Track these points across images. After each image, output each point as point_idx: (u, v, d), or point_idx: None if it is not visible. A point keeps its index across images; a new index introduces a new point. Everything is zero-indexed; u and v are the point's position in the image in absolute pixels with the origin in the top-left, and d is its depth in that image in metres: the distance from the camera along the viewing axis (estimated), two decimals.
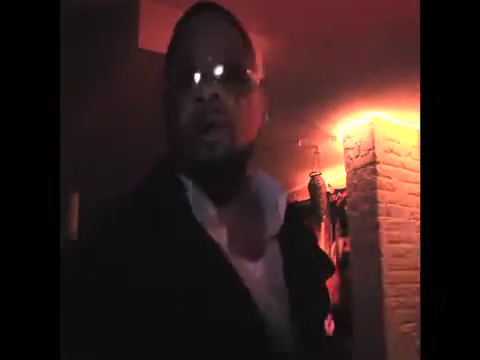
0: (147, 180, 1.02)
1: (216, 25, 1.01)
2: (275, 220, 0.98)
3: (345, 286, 5.01)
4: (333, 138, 4.53)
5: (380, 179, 3.97)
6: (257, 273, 0.92)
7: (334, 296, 5.30)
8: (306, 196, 5.13)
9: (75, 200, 5.56)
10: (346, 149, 4.32)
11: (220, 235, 0.90)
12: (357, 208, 4.11)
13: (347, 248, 4.95)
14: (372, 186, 3.97)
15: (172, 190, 0.95)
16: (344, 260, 5.15)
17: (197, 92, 0.91)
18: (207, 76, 0.92)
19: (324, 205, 4.75)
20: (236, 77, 0.96)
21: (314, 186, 4.65)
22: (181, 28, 1.03)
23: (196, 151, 0.91)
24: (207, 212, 0.92)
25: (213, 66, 0.93)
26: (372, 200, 3.96)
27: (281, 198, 1.01)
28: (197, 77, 0.93)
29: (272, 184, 1.06)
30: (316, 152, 4.71)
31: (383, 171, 4.02)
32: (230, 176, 0.97)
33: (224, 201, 0.97)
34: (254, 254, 0.94)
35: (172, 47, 1.04)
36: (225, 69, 0.94)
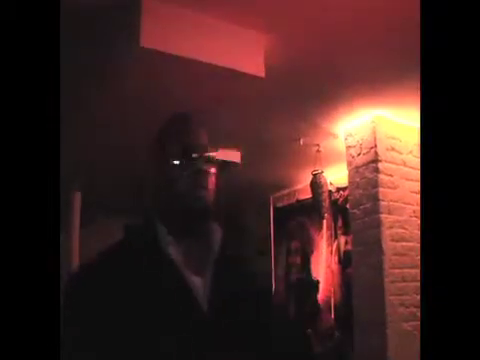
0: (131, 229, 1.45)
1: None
2: (214, 250, 1.40)
3: (346, 284, 5.02)
4: (335, 136, 4.53)
5: (382, 177, 3.97)
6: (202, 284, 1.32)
7: (336, 294, 5.31)
8: (308, 194, 5.13)
9: (77, 200, 5.56)
10: (348, 147, 4.32)
11: (179, 259, 1.31)
12: (359, 206, 4.11)
13: (349, 246, 4.95)
14: (374, 184, 3.97)
15: (151, 235, 1.35)
16: (346, 258, 5.15)
17: (195, 166, 1.36)
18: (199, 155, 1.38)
19: (326, 203, 4.75)
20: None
21: (316, 184, 4.65)
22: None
23: (189, 202, 1.36)
24: (172, 247, 1.32)
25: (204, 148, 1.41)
26: (374, 198, 3.96)
27: (217, 235, 1.45)
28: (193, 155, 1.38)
29: (215, 227, 1.48)
30: (318, 150, 4.71)
31: (385, 169, 4.01)
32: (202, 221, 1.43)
33: (186, 237, 1.38)
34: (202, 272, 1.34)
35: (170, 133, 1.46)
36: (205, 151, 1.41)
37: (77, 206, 5.53)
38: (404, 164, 4.13)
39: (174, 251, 1.32)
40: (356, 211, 4.14)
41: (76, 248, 5.42)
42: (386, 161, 4.03)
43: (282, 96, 3.69)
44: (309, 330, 4.61)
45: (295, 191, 6.10)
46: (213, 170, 1.42)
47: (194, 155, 1.37)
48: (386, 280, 3.79)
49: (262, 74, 3.04)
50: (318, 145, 4.68)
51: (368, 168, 4.05)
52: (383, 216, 3.91)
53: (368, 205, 4.01)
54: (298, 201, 6.02)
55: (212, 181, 1.41)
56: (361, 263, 4.04)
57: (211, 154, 1.42)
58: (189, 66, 2.90)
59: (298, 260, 5.99)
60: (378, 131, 4.04)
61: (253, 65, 3.02)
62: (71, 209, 5.49)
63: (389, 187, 4.00)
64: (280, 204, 6.41)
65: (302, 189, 5.85)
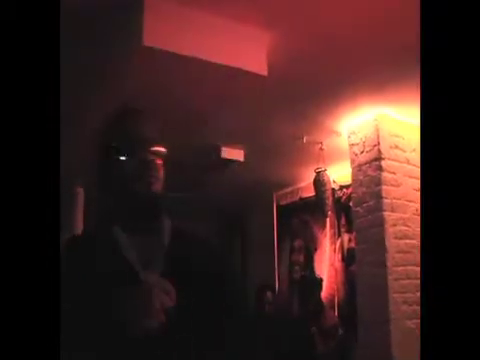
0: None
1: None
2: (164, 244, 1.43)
3: (350, 282, 5.01)
4: (338, 134, 4.52)
5: (385, 175, 3.96)
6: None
7: (339, 292, 5.31)
8: (311, 192, 5.13)
9: (80, 196, 5.57)
10: (351, 145, 4.31)
11: (133, 257, 1.36)
12: (362, 204, 4.10)
13: (352, 244, 4.94)
14: (377, 182, 3.97)
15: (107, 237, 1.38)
16: (349, 256, 5.15)
17: (140, 158, 1.38)
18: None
19: (329, 201, 4.75)
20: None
21: (319, 182, 4.65)
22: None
23: (141, 192, 1.37)
24: (127, 247, 1.37)
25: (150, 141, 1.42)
26: (377, 196, 3.95)
27: (167, 228, 1.46)
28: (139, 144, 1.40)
29: (165, 220, 1.49)
30: (321, 148, 4.70)
31: (388, 167, 4.01)
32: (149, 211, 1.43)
33: (139, 233, 1.40)
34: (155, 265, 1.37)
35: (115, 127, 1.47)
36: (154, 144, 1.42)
37: (80, 203, 5.53)
38: (407, 162, 4.12)
39: (129, 250, 1.36)
40: (359, 209, 4.14)
41: None
42: (389, 159, 4.03)
43: (285, 94, 3.68)
44: (313, 328, 4.61)
45: (298, 189, 6.09)
46: (160, 162, 1.42)
47: (138, 148, 1.38)
48: (389, 278, 3.79)
49: (265, 72, 3.04)
50: (321, 143, 4.67)
51: (371, 166, 4.05)
52: (386, 214, 3.90)
53: (371, 203, 4.01)
54: (301, 199, 6.01)
55: (160, 173, 1.42)
56: (364, 261, 4.03)
57: (157, 148, 1.42)
58: (191, 64, 2.90)
59: (301, 258, 5.99)
60: (381, 129, 4.03)
61: (255, 63, 3.02)
62: (74, 206, 5.50)
63: (392, 185, 3.99)
64: (283, 202, 6.41)
65: (305, 187, 5.84)
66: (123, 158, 1.38)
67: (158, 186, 1.40)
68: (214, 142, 4.58)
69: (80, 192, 5.58)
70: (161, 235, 1.43)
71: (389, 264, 3.81)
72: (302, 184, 5.97)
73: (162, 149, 1.44)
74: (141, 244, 1.38)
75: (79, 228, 5.45)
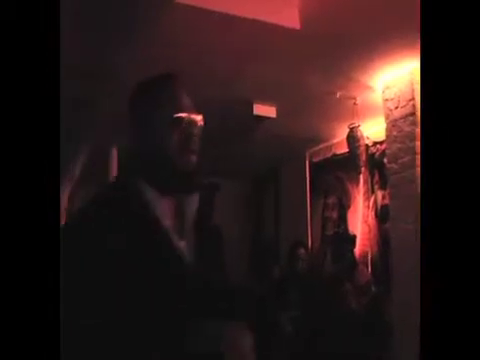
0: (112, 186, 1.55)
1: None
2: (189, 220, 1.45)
3: (384, 239, 4.99)
4: (372, 89, 4.43)
5: (420, 130, 3.89)
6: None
7: (373, 248, 5.29)
8: (344, 149, 5.08)
9: (114, 156, 5.60)
10: (385, 100, 4.23)
11: (166, 219, 1.38)
12: (396, 160, 4.05)
13: (386, 201, 4.90)
14: (412, 137, 3.90)
15: (129, 194, 1.39)
16: (383, 213, 5.11)
17: (185, 125, 1.41)
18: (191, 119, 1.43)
19: (363, 157, 4.70)
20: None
21: (353, 138, 4.59)
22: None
23: (177, 165, 1.41)
24: (160, 205, 1.39)
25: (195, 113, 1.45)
26: (412, 152, 3.89)
27: (194, 205, 1.46)
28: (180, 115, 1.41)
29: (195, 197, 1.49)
30: (354, 104, 4.62)
31: (411, 108, 3.92)
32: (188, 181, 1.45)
33: (176, 197, 1.42)
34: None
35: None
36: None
37: (114, 162, 5.57)
38: None
39: (157, 208, 1.38)
40: (394, 165, 4.08)
41: None
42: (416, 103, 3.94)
43: (318, 49, 3.61)
44: (347, 285, 4.62)
45: (331, 145, 6.03)
46: (198, 133, 1.45)
47: (178, 115, 1.41)
48: None
49: (297, 26, 2.98)
50: (355, 98, 4.60)
51: (406, 121, 3.97)
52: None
53: (406, 159, 3.95)
54: (334, 155, 5.95)
55: (198, 145, 1.45)
56: (398, 217, 4.00)
57: (196, 117, 1.45)
58: (222, 20, 2.85)
59: (335, 215, 5.97)
60: (417, 83, 3.94)
61: (288, 17, 2.96)
62: (108, 165, 5.55)
63: None
64: (316, 159, 6.36)
65: (338, 143, 5.78)
66: (162, 126, 1.41)
67: (195, 159, 1.44)
68: (246, 99, 4.54)
69: (113, 152, 5.61)
70: (191, 208, 1.45)
71: None
72: (335, 140, 5.91)
73: (200, 118, 1.46)
74: (173, 212, 1.41)
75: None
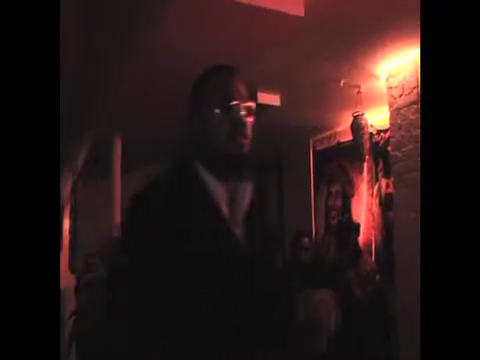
0: (168, 167, 1.57)
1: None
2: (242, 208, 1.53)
3: (387, 227, 4.99)
4: (376, 77, 4.41)
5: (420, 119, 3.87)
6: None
7: (377, 237, 5.29)
8: (348, 137, 5.06)
9: (118, 146, 5.59)
10: (389, 88, 4.20)
11: (222, 204, 1.45)
12: (400, 149, 4.03)
13: (390, 189, 4.89)
14: (416, 126, 3.88)
15: (189, 175, 1.48)
16: (387, 201, 5.11)
17: (236, 116, 1.49)
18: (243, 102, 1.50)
19: (367, 146, 4.68)
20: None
21: (357, 126, 4.58)
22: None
23: (230, 148, 1.49)
24: (217, 190, 1.46)
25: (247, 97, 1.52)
26: (416, 140, 3.87)
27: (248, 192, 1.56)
28: (236, 101, 1.49)
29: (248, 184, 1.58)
30: (358, 92, 4.60)
31: (414, 110, 3.91)
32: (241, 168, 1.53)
33: (234, 181, 1.52)
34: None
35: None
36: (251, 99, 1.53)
37: (118, 153, 5.56)
38: None
39: (214, 191, 1.46)
40: (398, 153, 4.07)
41: (118, 196, 5.48)
42: (416, 103, 3.92)
43: (322, 36, 3.58)
44: (350, 273, 4.62)
45: (335, 134, 6.02)
46: (251, 120, 1.53)
47: (234, 104, 1.48)
48: None
49: (301, 13, 2.95)
50: (359, 86, 4.57)
51: (410, 109, 3.95)
52: None
53: (410, 147, 3.93)
54: (338, 144, 5.94)
55: (250, 132, 1.53)
56: (402, 206, 3.99)
57: (250, 104, 1.53)
58: (225, 7, 2.83)
59: (338, 203, 5.96)
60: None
61: (292, 3, 2.94)
62: (112, 156, 5.54)
63: None
64: (320, 147, 6.35)
65: (342, 132, 5.77)
66: (218, 113, 1.49)
67: (246, 145, 1.52)
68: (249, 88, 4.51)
69: (118, 142, 5.60)
70: (243, 196, 1.54)
71: None
72: (339, 129, 5.89)
73: (253, 106, 1.54)
74: (227, 198, 1.50)
75: (117, 178, 5.50)
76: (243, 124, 1.50)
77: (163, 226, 1.34)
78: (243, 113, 1.50)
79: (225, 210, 1.46)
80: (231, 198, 1.50)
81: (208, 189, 1.46)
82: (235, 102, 1.49)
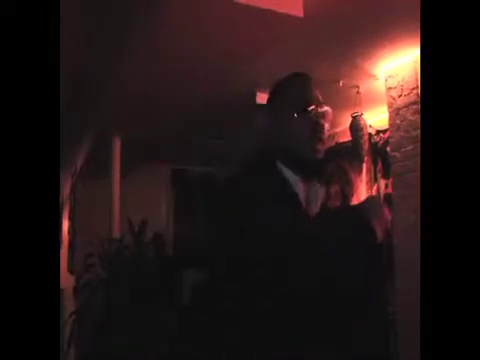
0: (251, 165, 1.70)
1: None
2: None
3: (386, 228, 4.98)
4: (375, 77, 4.41)
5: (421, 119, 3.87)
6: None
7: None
8: (347, 137, 5.06)
9: (117, 147, 5.57)
10: (388, 89, 4.21)
11: (302, 199, 1.57)
12: (400, 149, 4.03)
13: (389, 190, 4.89)
14: (415, 126, 3.88)
15: (273, 172, 1.58)
16: (386, 202, 5.10)
17: (314, 117, 1.59)
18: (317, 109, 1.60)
19: (366, 146, 4.69)
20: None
21: (355, 127, 4.58)
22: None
23: (308, 153, 1.58)
24: (299, 187, 1.56)
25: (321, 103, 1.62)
26: (415, 140, 3.87)
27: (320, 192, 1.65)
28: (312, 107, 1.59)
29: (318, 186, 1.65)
30: (357, 92, 4.60)
31: (413, 111, 3.91)
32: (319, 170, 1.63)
33: (309, 182, 1.60)
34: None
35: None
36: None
37: (117, 154, 5.55)
38: None
39: (295, 188, 1.57)
40: (397, 154, 4.07)
41: (117, 196, 5.47)
42: (416, 104, 3.93)
43: (321, 36, 3.58)
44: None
45: (334, 134, 6.01)
46: (327, 126, 1.63)
47: (311, 109, 1.59)
48: None
49: (300, 13, 2.95)
50: (358, 87, 4.58)
51: (409, 110, 3.95)
52: None
53: (409, 148, 3.93)
54: (337, 144, 5.94)
55: (325, 135, 1.62)
56: (401, 207, 3.99)
57: (326, 109, 1.64)
58: (224, 8, 2.83)
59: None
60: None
61: (291, 4, 2.94)
62: (111, 156, 5.52)
63: None
64: None
65: (341, 132, 5.77)
66: (296, 117, 1.59)
67: (322, 147, 1.61)
68: (248, 87, 4.52)
69: (117, 142, 5.59)
70: (317, 197, 1.63)
71: None
72: (338, 129, 5.89)
73: (327, 110, 1.64)
74: (305, 196, 1.59)
75: (117, 179, 5.48)
76: (320, 127, 1.59)
77: (248, 221, 1.41)
78: (318, 116, 1.60)
79: (304, 206, 1.56)
80: (307, 196, 1.60)
81: (288, 185, 1.56)
82: (312, 107, 1.59)
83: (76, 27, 3.48)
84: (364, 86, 4.55)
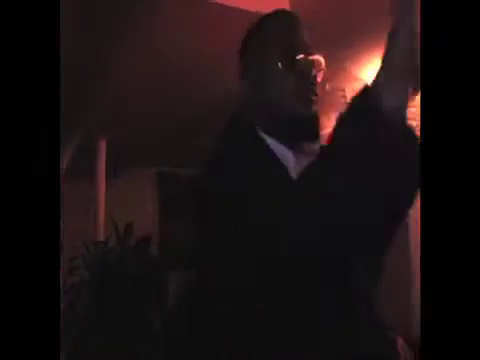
0: (229, 133, 1.29)
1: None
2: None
3: None
4: (361, 81, 4.43)
5: (410, 123, 3.89)
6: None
7: None
8: None
9: (102, 149, 5.55)
10: None
11: (288, 167, 1.16)
12: None
13: None
14: None
15: (252, 141, 1.20)
16: None
17: (300, 69, 1.21)
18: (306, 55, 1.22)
19: None
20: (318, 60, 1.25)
21: None
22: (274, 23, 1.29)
23: (299, 108, 1.23)
24: (287, 157, 1.19)
25: (309, 50, 1.23)
26: None
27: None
28: (299, 55, 1.21)
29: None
30: (343, 96, 4.61)
31: (412, 114, 3.94)
32: (311, 129, 1.31)
33: (298, 149, 1.24)
34: None
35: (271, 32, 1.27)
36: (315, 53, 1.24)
37: (103, 155, 5.52)
38: None
39: (279, 155, 1.18)
40: None
41: (102, 198, 5.45)
42: (413, 107, 3.95)
43: (308, 38, 3.59)
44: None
45: (320, 136, 6.04)
46: (320, 78, 1.27)
47: (298, 57, 1.21)
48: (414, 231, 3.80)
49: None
50: (343, 90, 4.59)
51: None
52: None
53: None
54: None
55: (318, 88, 1.26)
56: None
57: (318, 57, 1.26)
58: (211, 10, 2.84)
59: None
60: None
61: (277, 5, 2.94)
62: (97, 159, 5.50)
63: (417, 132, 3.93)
64: None
65: (327, 135, 5.78)
66: (282, 67, 1.21)
67: (315, 103, 1.28)
68: (236, 90, 4.51)
69: (102, 144, 5.56)
70: (309, 158, 1.18)
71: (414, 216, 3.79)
72: (324, 132, 5.90)
73: (319, 57, 1.26)
74: (293, 160, 1.21)
75: (102, 181, 5.46)
76: (312, 78, 1.23)
77: (238, 188, 1.08)
78: (308, 66, 1.22)
79: (291, 172, 1.16)
80: (296, 160, 1.22)
81: (272, 152, 1.18)
82: (301, 55, 1.22)
83: (64, 27, 3.46)
84: (350, 89, 4.57)
